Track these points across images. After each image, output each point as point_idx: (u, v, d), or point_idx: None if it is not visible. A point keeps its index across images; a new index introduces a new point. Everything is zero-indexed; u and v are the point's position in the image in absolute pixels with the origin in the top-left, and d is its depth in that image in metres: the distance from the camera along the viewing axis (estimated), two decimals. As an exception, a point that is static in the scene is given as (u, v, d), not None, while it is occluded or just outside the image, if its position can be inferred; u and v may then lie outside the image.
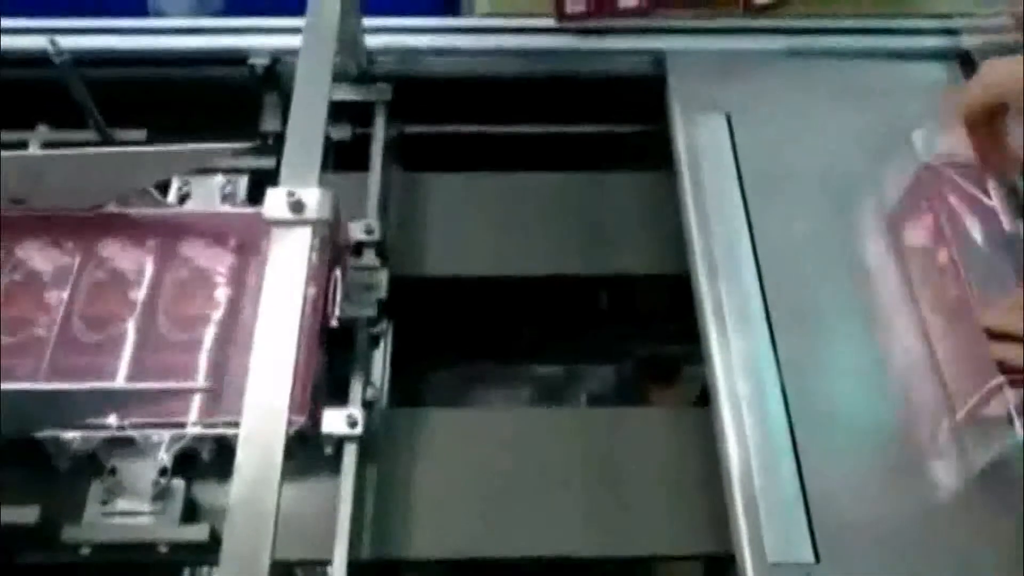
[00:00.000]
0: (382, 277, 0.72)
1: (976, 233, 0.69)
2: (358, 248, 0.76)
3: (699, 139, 0.82)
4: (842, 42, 0.88)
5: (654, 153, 0.87)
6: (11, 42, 0.86)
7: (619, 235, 0.84)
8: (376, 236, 0.76)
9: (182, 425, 0.67)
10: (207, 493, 0.68)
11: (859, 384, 0.69)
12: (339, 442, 0.68)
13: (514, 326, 0.96)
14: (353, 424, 0.67)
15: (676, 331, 0.81)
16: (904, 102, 0.82)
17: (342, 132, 0.88)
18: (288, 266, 0.60)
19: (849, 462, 0.66)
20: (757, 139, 0.82)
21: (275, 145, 0.86)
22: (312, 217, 0.62)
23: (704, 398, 0.80)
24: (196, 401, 0.67)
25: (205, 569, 0.76)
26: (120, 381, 0.69)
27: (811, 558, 0.61)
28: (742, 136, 0.82)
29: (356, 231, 0.76)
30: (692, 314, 0.74)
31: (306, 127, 0.66)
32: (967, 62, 0.86)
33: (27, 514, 0.63)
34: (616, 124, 0.94)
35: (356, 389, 0.70)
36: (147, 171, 0.78)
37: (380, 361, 0.76)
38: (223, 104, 0.90)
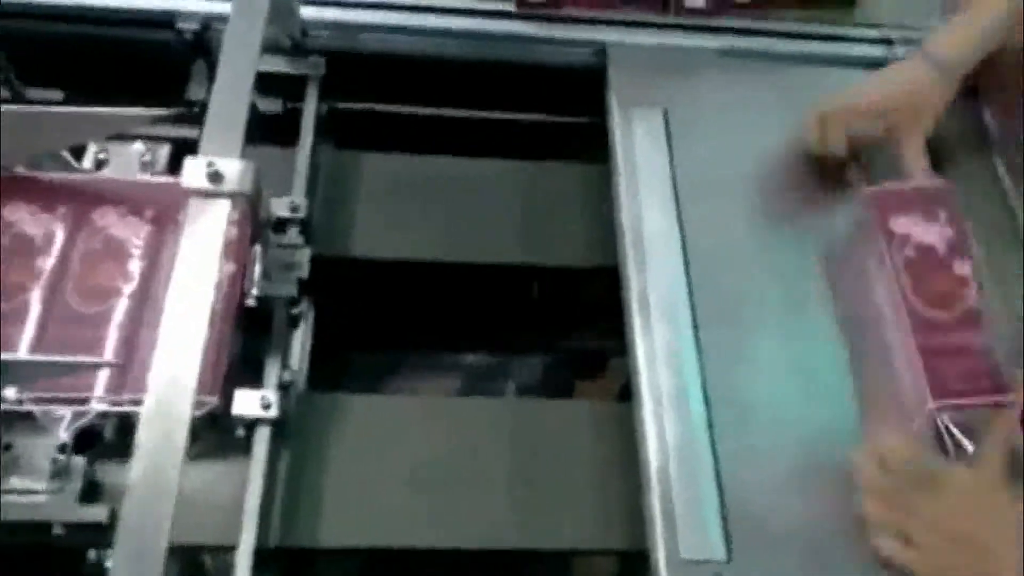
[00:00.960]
0: (304, 256, 0.70)
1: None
2: (282, 225, 0.73)
3: (635, 133, 0.81)
4: (778, 45, 0.89)
5: (595, 144, 0.87)
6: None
7: (554, 226, 0.83)
8: (301, 214, 0.73)
9: (85, 401, 0.64)
10: (110, 473, 0.65)
11: (780, 381, 0.69)
12: (251, 424, 0.66)
13: (443, 313, 0.94)
14: (267, 406, 0.65)
15: (606, 324, 0.81)
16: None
17: (272, 105, 0.85)
18: (204, 239, 0.58)
19: (767, 460, 0.66)
20: (692, 135, 0.82)
21: (200, 114, 0.82)
22: (232, 189, 0.60)
23: (627, 393, 0.82)
24: (102, 377, 0.64)
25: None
26: (22, 353, 0.65)
27: (723, 556, 0.61)
28: (677, 132, 0.82)
29: (280, 207, 0.73)
30: (620, 306, 0.74)
31: (231, 96, 0.64)
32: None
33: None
34: (557, 114, 0.93)
35: (272, 370, 0.68)
36: (61, 133, 0.74)
37: (299, 342, 0.74)
38: (148, 69, 0.86)
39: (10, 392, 0.62)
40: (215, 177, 0.59)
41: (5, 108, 0.73)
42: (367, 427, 0.71)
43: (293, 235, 0.72)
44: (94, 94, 0.79)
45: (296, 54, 0.85)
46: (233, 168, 0.60)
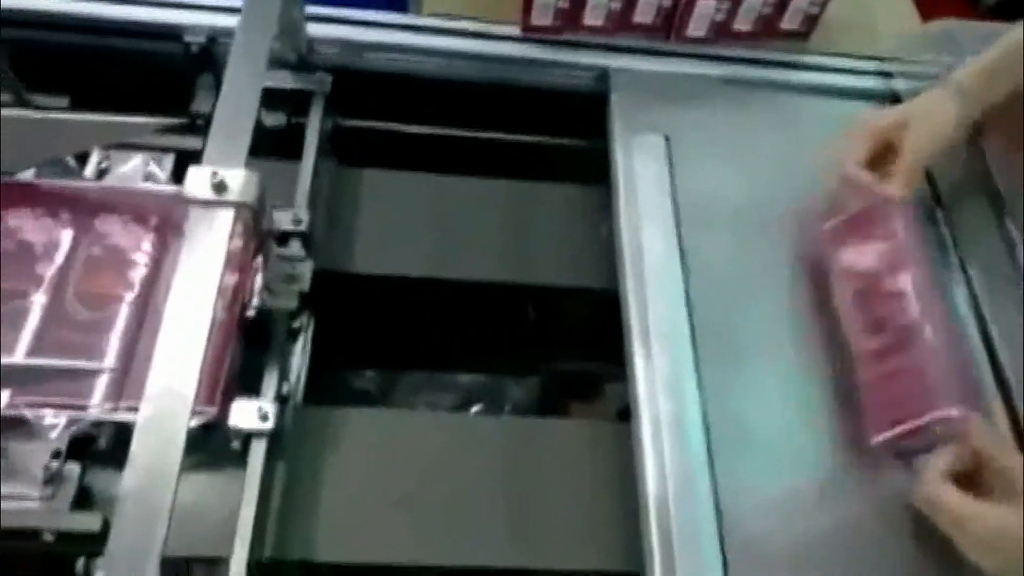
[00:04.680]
0: (306, 269, 0.70)
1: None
2: (284, 238, 0.73)
3: (637, 158, 0.82)
4: (780, 75, 0.90)
5: (593, 167, 0.87)
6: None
7: (551, 247, 0.84)
8: (303, 227, 0.73)
9: (81, 408, 0.64)
10: (104, 481, 0.65)
11: (778, 408, 0.70)
12: (247, 436, 0.65)
13: (440, 330, 0.94)
14: (264, 418, 0.65)
15: (600, 347, 0.81)
16: (835, 137, 0.84)
17: (276, 119, 0.86)
18: (206, 249, 0.58)
19: (765, 486, 0.66)
20: (693, 162, 0.82)
21: (204, 127, 0.82)
22: (235, 199, 0.60)
23: (623, 414, 0.81)
24: (99, 384, 0.64)
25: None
26: (18, 357, 0.65)
27: (720, 581, 0.61)
28: (679, 159, 0.82)
29: (283, 220, 0.73)
30: (618, 331, 0.74)
31: (236, 107, 0.64)
32: (898, 103, 0.89)
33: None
34: (557, 136, 0.93)
35: (270, 383, 0.68)
36: (67, 140, 0.74)
37: (298, 356, 0.74)
38: (153, 80, 0.86)
39: (4, 396, 0.62)
40: (219, 187, 0.59)
41: (12, 113, 0.74)
42: (362, 441, 0.71)
43: (295, 248, 0.72)
44: (99, 103, 0.80)
45: (302, 69, 0.85)
46: (237, 178, 0.60)
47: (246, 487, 0.63)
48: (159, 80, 0.87)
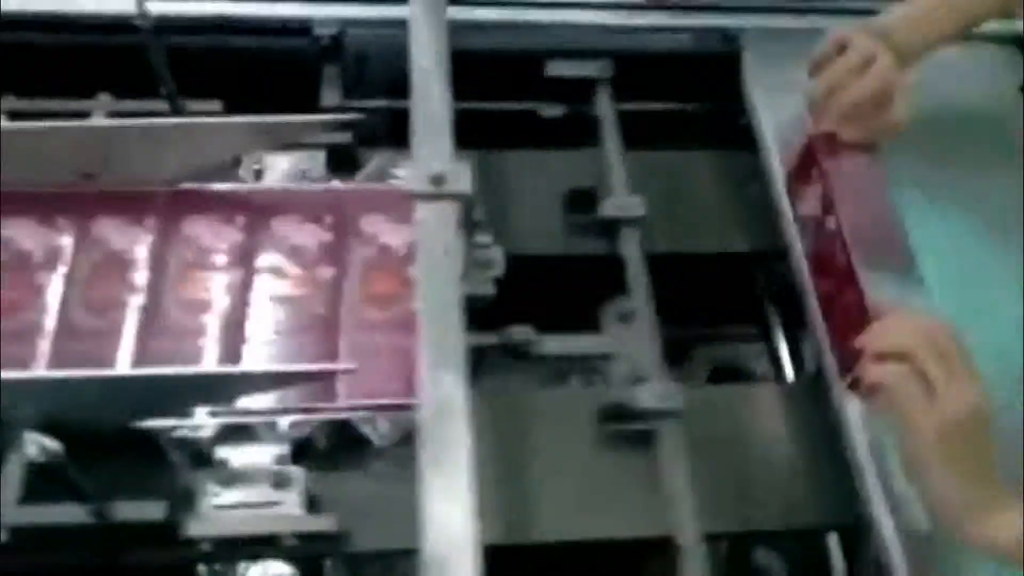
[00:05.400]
0: (497, 254, 0.70)
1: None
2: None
3: (784, 119, 0.82)
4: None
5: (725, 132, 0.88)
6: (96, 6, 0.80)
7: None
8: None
9: (308, 410, 0.64)
10: (324, 482, 0.65)
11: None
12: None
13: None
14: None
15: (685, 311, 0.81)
16: (971, 83, 0.85)
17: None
18: (438, 242, 0.58)
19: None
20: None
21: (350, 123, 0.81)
22: (454, 191, 0.60)
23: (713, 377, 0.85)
24: (328, 386, 0.64)
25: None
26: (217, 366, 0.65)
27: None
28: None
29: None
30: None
31: (432, 98, 0.64)
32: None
33: (151, 510, 0.58)
34: (685, 102, 0.93)
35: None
36: (231, 143, 0.73)
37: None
38: (276, 76, 0.86)
39: (241, 404, 0.62)
40: (437, 180, 0.59)
41: (179, 120, 0.73)
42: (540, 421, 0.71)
43: (482, 235, 0.72)
44: (230, 103, 0.79)
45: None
46: (451, 170, 0.60)
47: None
48: (281, 76, 0.86)
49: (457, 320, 0.55)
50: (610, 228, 0.76)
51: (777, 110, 0.83)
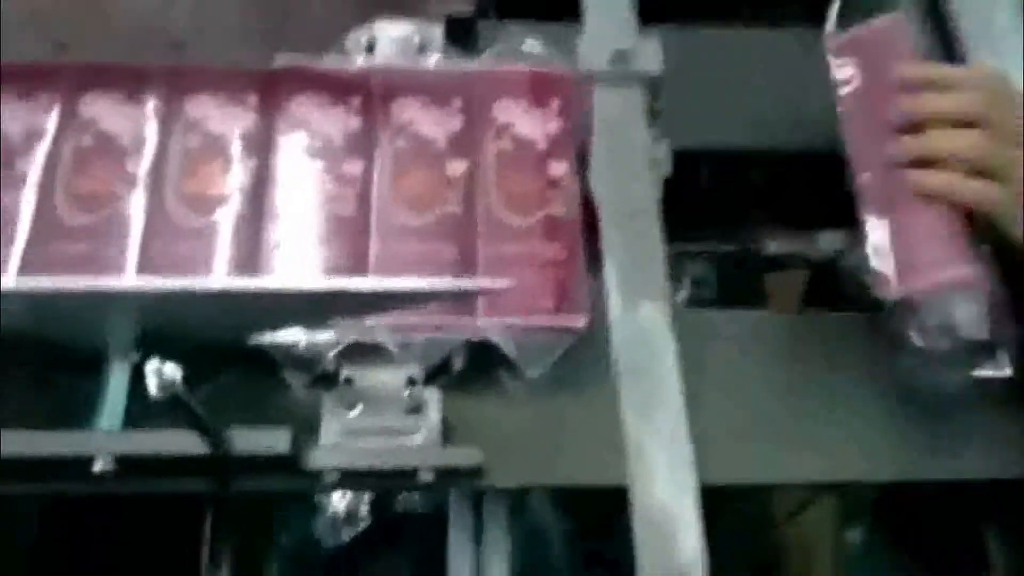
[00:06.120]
0: (663, 151, 0.59)
1: None
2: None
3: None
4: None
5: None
6: None
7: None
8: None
9: (438, 328, 0.55)
10: (461, 408, 0.57)
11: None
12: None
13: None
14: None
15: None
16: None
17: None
18: (621, 133, 0.48)
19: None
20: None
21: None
22: (641, 70, 0.49)
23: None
24: (467, 302, 0.55)
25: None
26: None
27: None
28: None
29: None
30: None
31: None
32: None
33: (278, 439, 0.50)
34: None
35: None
36: (341, 9, 0.62)
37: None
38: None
39: (370, 321, 0.53)
40: (619, 58, 0.49)
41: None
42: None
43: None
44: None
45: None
46: (637, 47, 0.49)
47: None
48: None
49: (655, 229, 0.45)
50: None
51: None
